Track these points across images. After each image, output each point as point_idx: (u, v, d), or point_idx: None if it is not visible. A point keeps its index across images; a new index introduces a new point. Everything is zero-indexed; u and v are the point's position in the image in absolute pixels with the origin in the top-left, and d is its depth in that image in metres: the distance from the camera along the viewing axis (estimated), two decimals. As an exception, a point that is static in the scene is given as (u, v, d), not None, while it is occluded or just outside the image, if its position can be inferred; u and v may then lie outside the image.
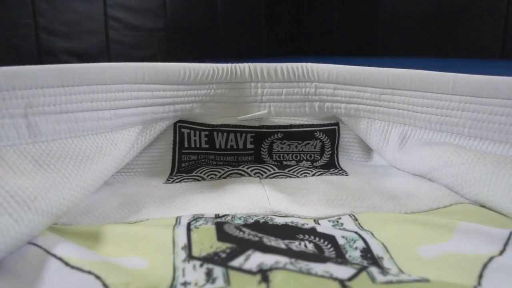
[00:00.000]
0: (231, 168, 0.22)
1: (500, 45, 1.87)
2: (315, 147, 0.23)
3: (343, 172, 0.22)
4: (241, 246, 0.12)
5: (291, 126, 0.23)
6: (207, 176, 0.22)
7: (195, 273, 0.12)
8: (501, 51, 1.90)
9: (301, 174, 0.22)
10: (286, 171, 0.22)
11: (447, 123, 0.19)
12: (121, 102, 0.19)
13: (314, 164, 0.23)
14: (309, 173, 0.22)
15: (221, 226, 0.14)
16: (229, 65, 0.23)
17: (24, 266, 0.12)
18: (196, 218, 0.15)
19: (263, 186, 0.19)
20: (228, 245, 0.12)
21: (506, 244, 0.13)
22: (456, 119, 0.19)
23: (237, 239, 0.13)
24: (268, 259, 0.11)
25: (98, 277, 0.11)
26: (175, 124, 0.22)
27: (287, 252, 0.12)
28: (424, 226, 0.15)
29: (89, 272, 0.12)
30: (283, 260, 0.11)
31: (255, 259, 0.11)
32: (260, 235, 0.13)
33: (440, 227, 0.14)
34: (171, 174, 0.22)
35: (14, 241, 0.13)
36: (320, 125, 0.23)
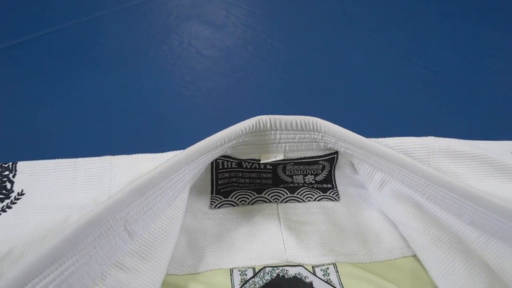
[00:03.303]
0: (256, 195, 0.30)
1: None
2: (317, 167, 0.31)
3: (336, 195, 0.30)
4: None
5: (300, 158, 0.30)
6: (239, 201, 0.30)
7: None
8: None
9: (306, 198, 0.30)
10: (295, 194, 0.30)
11: (414, 187, 0.27)
12: (178, 181, 0.26)
13: (316, 178, 0.31)
14: (311, 197, 0.30)
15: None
16: (254, 120, 0.28)
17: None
18: (245, 282, 0.25)
19: (279, 222, 0.28)
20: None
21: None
22: (422, 187, 0.26)
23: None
24: None
25: None
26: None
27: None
28: (374, 285, 0.25)
29: None
30: None
31: None
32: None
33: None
34: (212, 193, 0.30)
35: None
36: (324, 156, 0.30)
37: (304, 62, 0.47)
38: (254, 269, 0.26)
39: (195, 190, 0.31)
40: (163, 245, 0.25)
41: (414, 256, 0.27)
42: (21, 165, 0.31)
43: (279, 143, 0.29)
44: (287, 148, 0.29)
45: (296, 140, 0.29)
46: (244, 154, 0.30)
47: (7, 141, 0.37)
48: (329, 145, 0.29)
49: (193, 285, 0.25)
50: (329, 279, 0.26)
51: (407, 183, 0.27)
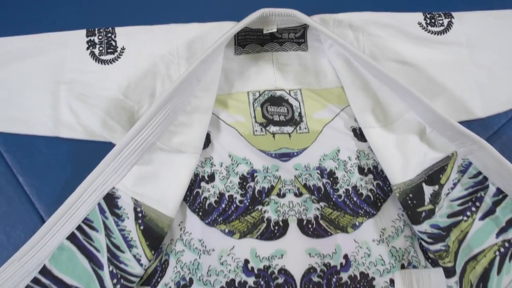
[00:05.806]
0: (260, 47, 0.52)
1: None
2: (296, 29, 0.51)
3: (306, 47, 0.52)
4: (267, 121, 0.50)
5: (287, 27, 0.50)
6: (251, 50, 0.52)
7: (258, 127, 0.50)
8: None
9: (288, 49, 0.52)
10: (282, 46, 0.52)
11: (347, 52, 0.49)
12: (220, 50, 0.47)
13: (295, 35, 0.52)
14: (291, 48, 0.52)
15: (262, 109, 0.50)
16: (260, 11, 0.46)
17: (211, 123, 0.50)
18: (255, 99, 0.50)
19: (273, 64, 0.51)
20: (265, 120, 0.50)
21: (336, 115, 0.50)
22: (350, 53, 0.48)
23: (266, 117, 0.50)
24: (273, 129, 0.50)
25: (236, 129, 0.50)
26: None
27: (277, 123, 0.50)
28: (319, 103, 0.50)
29: (233, 127, 0.50)
30: (277, 127, 0.50)
31: (271, 128, 0.50)
32: (272, 115, 0.50)
33: (323, 104, 0.50)
34: (235, 44, 0.52)
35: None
36: (301, 25, 0.50)
37: None
38: (259, 91, 0.51)
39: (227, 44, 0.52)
40: (214, 81, 0.49)
41: (342, 87, 0.51)
42: (118, 30, 0.51)
43: (274, 21, 0.49)
44: (278, 23, 0.49)
45: (284, 20, 0.49)
46: (253, 26, 0.49)
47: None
48: (303, 22, 0.49)
49: (228, 100, 0.51)
50: (297, 97, 0.51)
51: (343, 49, 0.49)
